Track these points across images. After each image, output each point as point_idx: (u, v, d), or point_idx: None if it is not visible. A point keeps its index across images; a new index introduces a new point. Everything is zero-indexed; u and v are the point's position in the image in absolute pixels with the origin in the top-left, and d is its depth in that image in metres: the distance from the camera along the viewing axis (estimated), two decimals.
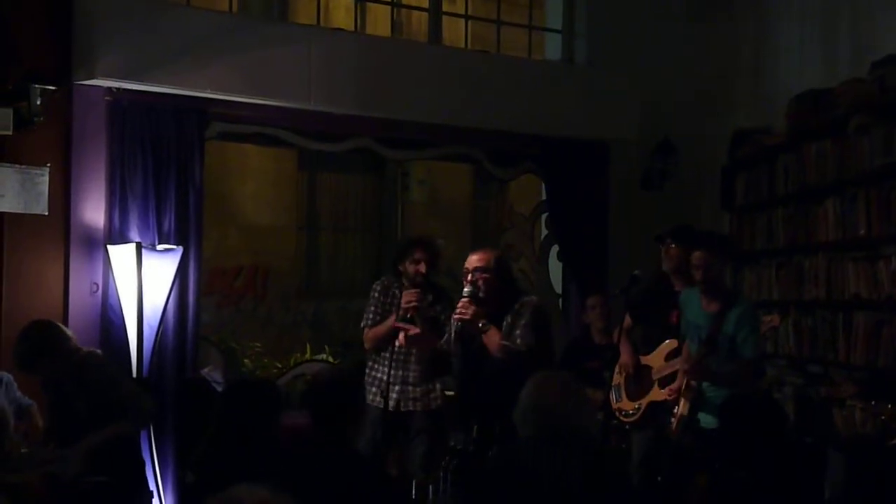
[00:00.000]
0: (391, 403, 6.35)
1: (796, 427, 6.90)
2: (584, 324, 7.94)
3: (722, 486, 4.78)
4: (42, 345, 5.72)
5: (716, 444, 5.75)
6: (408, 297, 6.31)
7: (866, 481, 5.67)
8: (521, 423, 4.37)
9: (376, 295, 6.57)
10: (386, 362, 6.44)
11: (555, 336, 6.35)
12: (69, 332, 5.89)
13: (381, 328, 6.44)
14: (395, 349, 6.38)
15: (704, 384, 5.92)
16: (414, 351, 6.42)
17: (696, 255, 6.00)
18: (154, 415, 6.18)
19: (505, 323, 5.86)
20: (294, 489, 2.67)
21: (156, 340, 6.80)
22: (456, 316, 5.93)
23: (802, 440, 6.66)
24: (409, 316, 6.32)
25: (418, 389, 6.45)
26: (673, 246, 6.58)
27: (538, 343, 5.84)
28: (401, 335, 6.26)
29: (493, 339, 5.81)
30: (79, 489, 5.29)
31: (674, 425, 6.04)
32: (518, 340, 5.77)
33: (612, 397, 6.84)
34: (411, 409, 6.39)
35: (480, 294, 5.86)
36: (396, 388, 6.38)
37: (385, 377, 6.41)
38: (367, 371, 6.57)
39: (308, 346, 9.02)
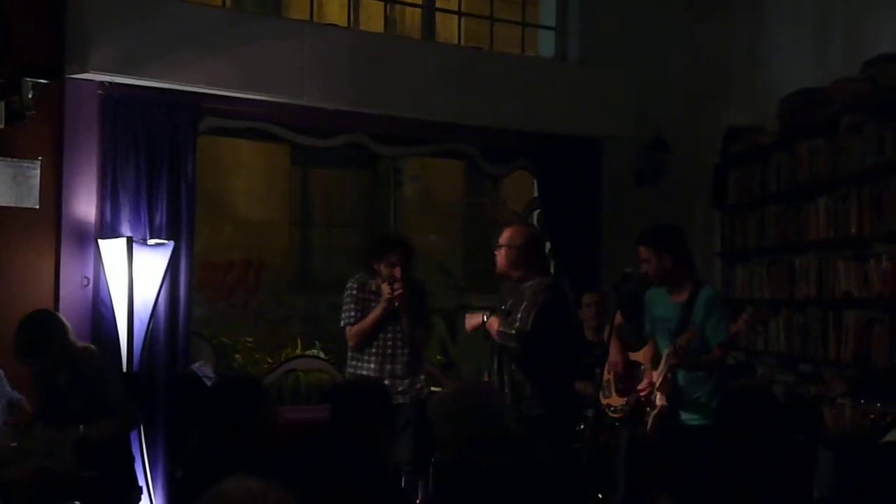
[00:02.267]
0: None
1: (787, 425, 6.91)
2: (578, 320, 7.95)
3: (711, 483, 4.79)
4: (45, 335, 5.72)
5: (700, 441, 5.78)
6: (389, 289, 6.39)
7: (856, 479, 5.70)
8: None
9: (354, 292, 6.57)
10: (372, 357, 6.45)
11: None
12: (67, 323, 5.89)
13: (367, 322, 6.45)
14: (382, 343, 6.41)
15: (682, 381, 5.90)
16: (401, 344, 6.43)
17: (640, 251, 6.03)
18: (139, 420, 6.18)
19: (504, 307, 6.10)
20: (284, 484, 2.67)
21: (146, 335, 6.78)
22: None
23: (793, 438, 6.68)
24: (395, 304, 6.34)
25: (406, 382, 6.46)
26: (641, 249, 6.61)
27: (535, 327, 5.96)
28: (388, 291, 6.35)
29: (493, 327, 6.06)
30: (70, 484, 5.28)
31: (649, 423, 6.03)
32: (516, 324, 5.95)
33: (602, 393, 6.84)
34: (399, 402, 6.38)
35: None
36: (385, 382, 6.37)
37: (372, 372, 6.43)
38: (351, 370, 6.57)
39: (299, 341, 9.02)
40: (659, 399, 5.96)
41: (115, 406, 5.77)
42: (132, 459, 6.11)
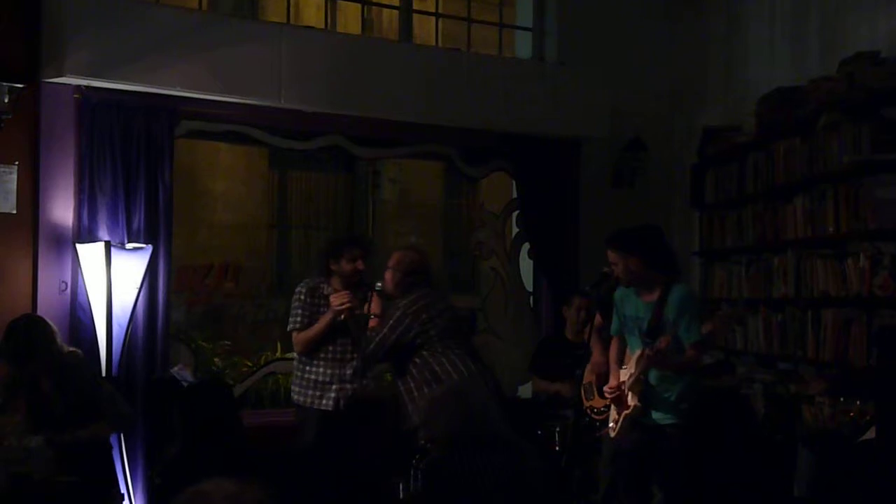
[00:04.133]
0: (330, 403, 6.33)
1: (765, 424, 6.93)
2: (559, 320, 7.96)
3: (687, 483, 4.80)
4: (32, 342, 5.70)
5: (673, 440, 5.78)
6: (339, 299, 6.32)
7: (835, 478, 5.71)
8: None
9: (302, 297, 6.49)
10: (321, 363, 6.42)
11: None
12: (55, 328, 5.87)
13: (313, 331, 6.40)
14: (332, 349, 6.38)
15: (653, 380, 5.90)
16: (350, 349, 6.41)
17: (609, 255, 6.03)
18: (132, 418, 6.17)
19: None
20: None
21: (125, 339, 6.76)
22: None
23: (772, 437, 6.69)
24: (342, 317, 6.31)
25: (355, 386, 6.40)
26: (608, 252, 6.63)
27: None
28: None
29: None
30: (49, 489, 5.26)
31: (618, 423, 6.02)
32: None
33: (584, 395, 6.85)
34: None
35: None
36: (334, 387, 6.35)
37: (322, 378, 6.40)
38: (299, 374, 6.52)
39: (279, 344, 8.98)
40: (631, 399, 5.95)
41: (107, 408, 5.75)
42: (113, 465, 6.08)
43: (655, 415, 5.90)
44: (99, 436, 5.83)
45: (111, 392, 5.96)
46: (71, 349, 6.02)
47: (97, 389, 5.84)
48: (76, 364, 5.84)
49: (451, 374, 6.00)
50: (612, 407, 6.10)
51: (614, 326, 6.23)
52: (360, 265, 6.36)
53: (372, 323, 6.33)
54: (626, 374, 6.02)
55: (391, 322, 6.14)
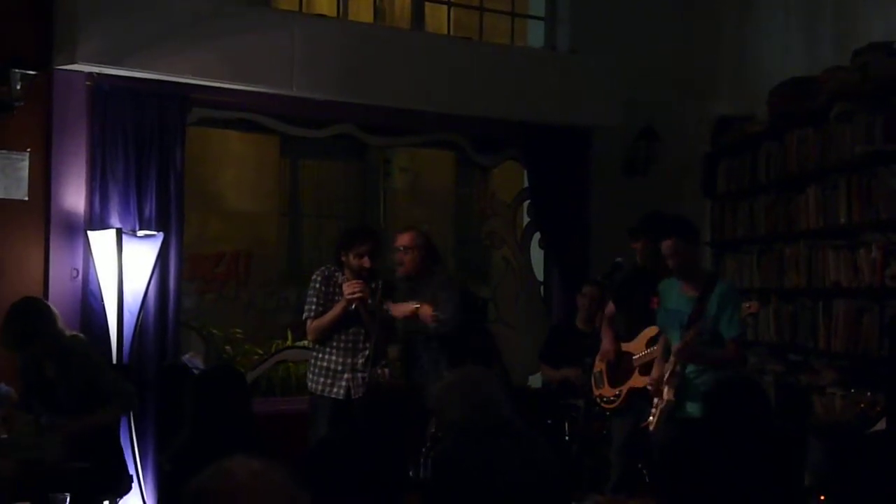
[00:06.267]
0: (341, 392, 6.36)
1: (777, 414, 6.92)
2: (571, 309, 7.96)
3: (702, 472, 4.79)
4: (33, 324, 5.70)
5: (699, 429, 5.77)
6: (351, 288, 6.34)
7: (846, 468, 5.70)
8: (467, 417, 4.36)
9: (318, 285, 6.52)
10: (334, 351, 6.43)
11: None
12: (56, 311, 5.87)
13: (326, 319, 6.43)
14: (345, 338, 6.41)
15: (689, 371, 5.90)
16: (362, 339, 6.43)
17: (666, 245, 5.99)
18: (137, 400, 6.17)
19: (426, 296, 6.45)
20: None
21: (136, 326, 6.78)
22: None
23: (783, 427, 6.69)
24: (353, 307, 6.33)
25: (366, 374, 6.41)
26: (640, 242, 6.61)
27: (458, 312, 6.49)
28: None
29: (426, 312, 6.40)
30: (59, 475, 5.28)
31: (655, 416, 6.01)
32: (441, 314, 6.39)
33: (594, 384, 6.85)
34: (359, 395, 6.39)
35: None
36: (346, 375, 6.37)
37: (333, 366, 6.42)
38: (313, 361, 6.55)
39: (289, 332, 9.00)
40: (667, 393, 5.95)
41: (111, 391, 5.76)
42: (122, 450, 6.10)
43: (689, 407, 5.87)
44: (107, 421, 5.83)
45: (113, 375, 5.97)
46: (73, 332, 6.02)
47: (103, 373, 5.84)
48: (80, 348, 5.84)
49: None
50: (654, 399, 6.09)
51: (659, 319, 6.22)
52: (366, 262, 6.38)
53: (399, 310, 6.45)
54: (667, 367, 6.01)
55: (455, 297, 6.50)
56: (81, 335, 6.12)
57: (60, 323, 5.83)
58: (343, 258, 6.45)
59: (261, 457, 3.22)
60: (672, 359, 5.92)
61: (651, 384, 6.08)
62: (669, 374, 5.92)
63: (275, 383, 8.57)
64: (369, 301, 6.35)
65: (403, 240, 6.65)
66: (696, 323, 5.80)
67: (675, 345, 5.88)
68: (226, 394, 4.62)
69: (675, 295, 6.04)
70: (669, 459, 5.86)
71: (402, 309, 6.49)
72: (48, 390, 5.70)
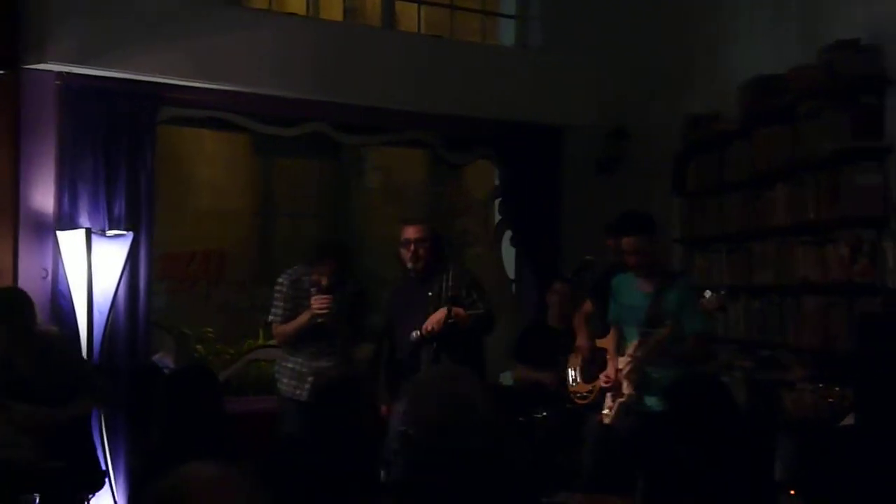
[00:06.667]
0: (305, 394, 6.29)
1: (746, 410, 6.96)
2: (542, 306, 7.97)
3: (668, 469, 4.81)
4: (10, 315, 5.66)
5: (663, 426, 5.80)
6: (319, 304, 6.30)
7: (817, 463, 5.74)
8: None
9: (285, 290, 6.52)
10: (299, 354, 6.43)
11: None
12: (34, 302, 5.84)
13: (292, 327, 6.43)
14: (309, 342, 6.40)
15: (649, 368, 5.93)
16: (329, 342, 6.43)
17: (626, 241, 6.02)
18: (110, 393, 6.16)
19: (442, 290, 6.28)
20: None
21: (106, 326, 6.76)
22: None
23: (752, 423, 6.72)
24: (318, 321, 6.32)
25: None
26: (610, 241, 6.64)
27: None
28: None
29: (461, 314, 6.18)
30: (29, 475, 5.25)
31: (613, 409, 6.04)
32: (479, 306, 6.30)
33: (569, 381, 6.87)
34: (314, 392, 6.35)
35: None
36: (310, 378, 6.28)
37: (299, 367, 6.42)
38: (280, 362, 6.56)
39: (261, 331, 8.98)
40: (626, 387, 5.98)
41: (86, 384, 5.73)
42: (94, 444, 6.08)
43: (649, 401, 5.91)
44: (85, 412, 5.81)
45: (89, 367, 5.96)
46: (47, 326, 6.00)
47: (82, 365, 5.83)
48: (56, 343, 5.82)
49: None
50: (607, 394, 6.11)
51: (612, 314, 6.24)
52: (323, 280, 6.34)
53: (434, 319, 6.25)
54: (622, 362, 6.03)
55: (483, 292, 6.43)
56: (55, 328, 6.10)
57: (38, 316, 5.81)
58: (311, 271, 6.46)
59: (232, 456, 3.22)
60: (631, 355, 5.94)
61: (606, 380, 6.11)
62: (631, 369, 5.94)
63: (247, 383, 8.55)
64: (336, 316, 6.33)
65: (415, 232, 6.41)
66: (655, 318, 5.83)
67: (640, 340, 5.90)
68: (197, 393, 4.62)
69: (631, 290, 6.06)
70: (635, 452, 5.90)
71: (436, 318, 6.24)
72: (18, 385, 5.64)
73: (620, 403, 6.00)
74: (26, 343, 5.68)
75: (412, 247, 6.37)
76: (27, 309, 5.76)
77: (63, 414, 5.60)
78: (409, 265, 6.41)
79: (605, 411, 6.12)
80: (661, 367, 5.89)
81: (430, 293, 6.31)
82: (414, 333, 6.22)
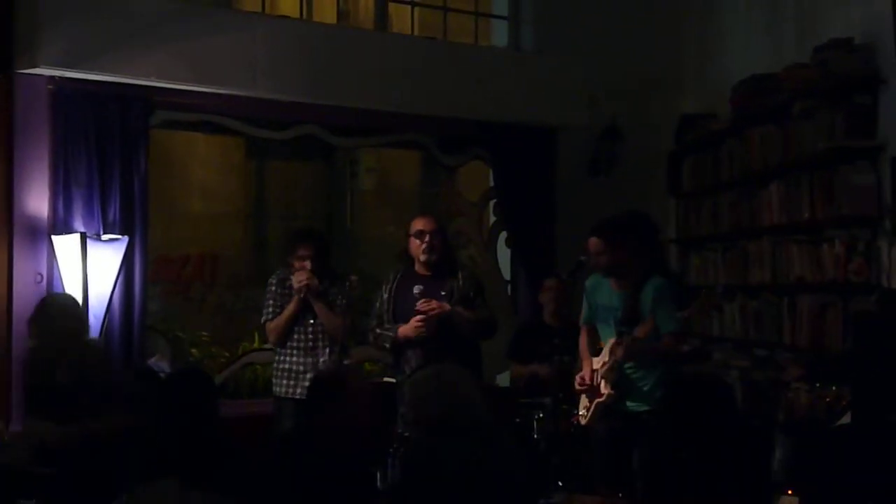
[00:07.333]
0: (302, 392, 6.24)
1: (743, 410, 6.96)
2: (537, 305, 7.95)
3: (665, 468, 4.81)
4: (56, 325, 5.65)
5: (650, 426, 5.79)
6: (298, 277, 6.39)
7: (813, 463, 5.74)
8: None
9: (273, 288, 6.61)
10: (293, 351, 6.44)
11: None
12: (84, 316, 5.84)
13: (281, 318, 6.48)
14: (303, 337, 6.41)
15: (628, 369, 5.92)
16: (321, 337, 6.42)
17: (589, 242, 6.03)
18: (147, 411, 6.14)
19: (453, 289, 6.30)
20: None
21: (102, 331, 6.74)
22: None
23: (749, 423, 6.72)
24: (302, 295, 6.35)
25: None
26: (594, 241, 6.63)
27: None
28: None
29: (463, 314, 6.25)
30: (26, 480, 5.23)
31: (590, 410, 6.03)
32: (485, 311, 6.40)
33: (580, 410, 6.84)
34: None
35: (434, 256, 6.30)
36: (308, 375, 6.30)
37: (295, 367, 6.43)
38: (276, 364, 6.59)
39: (256, 334, 8.96)
40: (604, 387, 5.97)
41: (120, 397, 5.70)
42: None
43: (630, 403, 5.92)
44: (115, 429, 5.76)
45: (131, 379, 5.96)
46: (92, 338, 5.99)
47: (118, 381, 5.80)
48: (97, 353, 5.81)
49: None
50: (583, 395, 6.10)
51: (585, 315, 6.25)
52: (306, 265, 6.40)
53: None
54: (598, 362, 6.03)
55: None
56: (98, 339, 6.09)
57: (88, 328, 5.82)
58: (289, 259, 6.53)
59: (227, 459, 3.21)
60: (608, 354, 5.93)
61: (580, 382, 6.09)
62: (608, 370, 5.93)
63: (242, 386, 8.53)
64: (315, 286, 6.37)
65: (429, 224, 6.37)
66: (631, 317, 5.84)
67: (616, 340, 5.90)
68: (193, 397, 4.61)
69: (605, 291, 6.07)
70: (619, 454, 5.89)
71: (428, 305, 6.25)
72: (56, 393, 5.58)
73: (598, 404, 5.99)
74: (71, 353, 5.65)
75: (427, 237, 6.33)
76: (76, 318, 5.76)
77: (91, 428, 5.55)
78: (423, 257, 6.35)
79: (582, 412, 6.11)
80: (641, 369, 5.89)
81: (443, 292, 6.29)
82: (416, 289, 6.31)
